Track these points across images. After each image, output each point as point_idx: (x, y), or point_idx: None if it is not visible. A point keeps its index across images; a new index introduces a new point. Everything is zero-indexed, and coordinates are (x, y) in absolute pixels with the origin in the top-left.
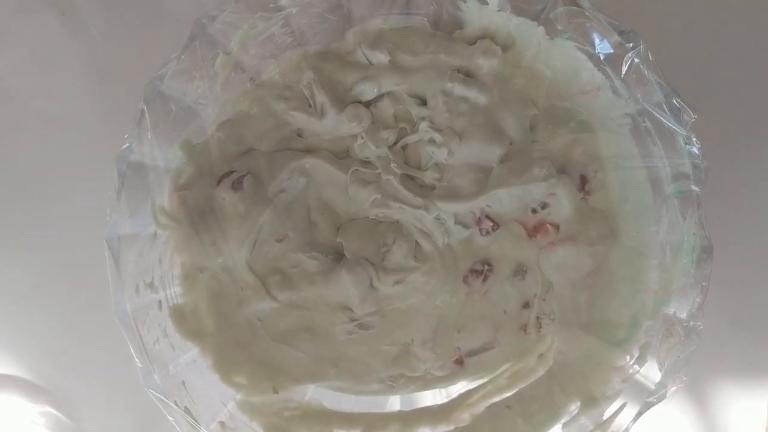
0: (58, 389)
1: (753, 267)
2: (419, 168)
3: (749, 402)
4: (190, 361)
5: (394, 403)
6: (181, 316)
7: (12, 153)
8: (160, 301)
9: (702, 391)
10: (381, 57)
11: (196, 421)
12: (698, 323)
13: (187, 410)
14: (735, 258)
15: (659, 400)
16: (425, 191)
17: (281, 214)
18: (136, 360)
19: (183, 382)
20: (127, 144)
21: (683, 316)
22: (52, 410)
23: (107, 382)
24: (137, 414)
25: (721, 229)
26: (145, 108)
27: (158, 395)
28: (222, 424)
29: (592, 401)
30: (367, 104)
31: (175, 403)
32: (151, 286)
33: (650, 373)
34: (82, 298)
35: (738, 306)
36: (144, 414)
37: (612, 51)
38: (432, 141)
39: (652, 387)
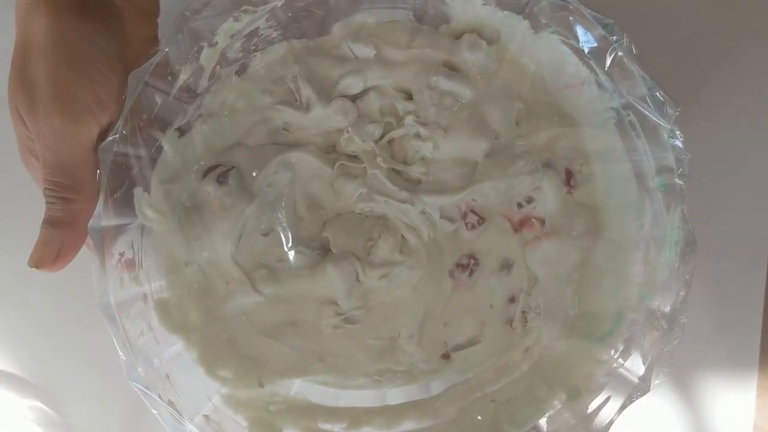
0: (46, 383)
1: (736, 260)
2: (405, 162)
3: (736, 395)
4: (175, 354)
5: (380, 397)
6: (165, 310)
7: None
8: (144, 294)
9: (688, 383)
10: (367, 51)
11: (180, 414)
12: (682, 317)
13: (171, 403)
14: (718, 251)
15: (643, 394)
16: (411, 185)
17: (266, 208)
18: (120, 353)
19: (167, 376)
20: (112, 137)
21: (667, 309)
22: (41, 404)
23: (95, 376)
24: (124, 408)
25: (704, 222)
26: (129, 101)
27: (142, 388)
28: (206, 417)
29: (576, 395)
30: (353, 98)
31: (159, 397)
32: (135, 279)
33: (634, 366)
34: (70, 292)
35: (722, 298)
36: (131, 408)
37: (596, 44)
38: (417, 135)
39: (636, 381)
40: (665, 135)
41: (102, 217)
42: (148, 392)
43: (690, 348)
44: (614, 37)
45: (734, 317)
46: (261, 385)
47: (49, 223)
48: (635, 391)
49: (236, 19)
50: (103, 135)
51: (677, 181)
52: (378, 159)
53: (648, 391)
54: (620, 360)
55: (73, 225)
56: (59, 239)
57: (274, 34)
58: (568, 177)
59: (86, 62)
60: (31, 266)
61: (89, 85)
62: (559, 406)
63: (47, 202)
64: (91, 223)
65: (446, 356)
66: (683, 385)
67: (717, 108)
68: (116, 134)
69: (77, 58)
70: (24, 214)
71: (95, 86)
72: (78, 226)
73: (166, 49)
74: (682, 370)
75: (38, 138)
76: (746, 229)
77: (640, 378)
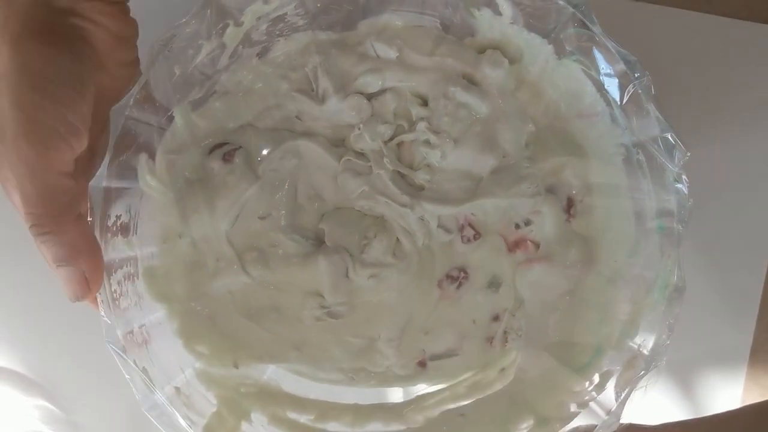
0: (52, 382)
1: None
2: (411, 167)
3: (727, 391)
4: (156, 323)
5: (351, 395)
6: (153, 277)
7: None
8: (135, 259)
9: (680, 378)
10: (389, 52)
11: (152, 382)
12: (661, 361)
13: (144, 370)
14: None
15: (611, 429)
16: (413, 190)
17: (268, 192)
18: (102, 313)
19: (145, 342)
20: (126, 100)
21: (646, 351)
22: (46, 403)
23: (101, 375)
24: (130, 406)
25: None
26: (148, 67)
27: (118, 351)
28: (177, 389)
29: (544, 421)
30: (369, 97)
31: (134, 363)
32: (128, 243)
33: (606, 401)
34: None
35: (719, 293)
36: (136, 407)
37: (616, 79)
38: (427, 142)
39: (605, 416)
40: (671, 178)
41: (104, 177)
42: (123, 356)
43: (684, 342)
44: (635, 74)
45: (730, 314)
46: (236, 366)
47: (56, 262)
48: (604, 425)
49: (266, 2)
50: (81, 160)
51: (676, 225)
52: (385, 160)
53: (616, 427)
54: (593, 393)
55: (78, 251)
56: (78, 269)
57: (301, 22)
58: (569, 205)
59: (51, 85)
60: (75, 302)
61: (55, 108)
62: (526, 430)
63: (38, 242)
64: (93, 182)
65: (422, 364)
66: (677, 377)
67: (725, 158)
68: (131, 99)
69: (41, 82)
70: None
71: (62, 109)
72: (84, 248)
73: (192, 21)
74: (674, 363)
75: (12, 169)
76: (746, 227)
77: (610, 413)
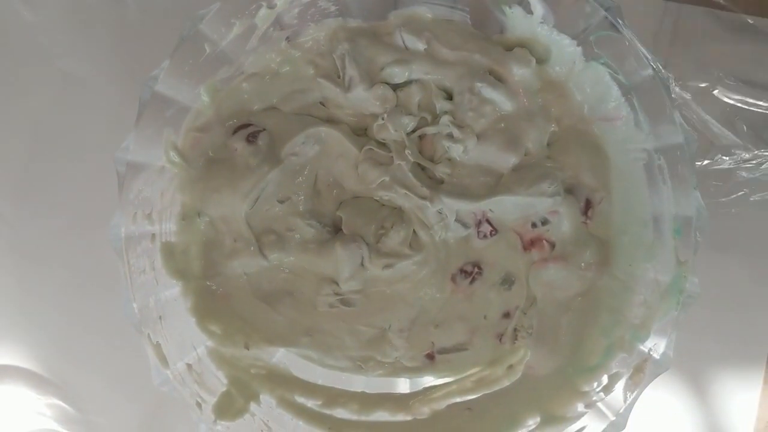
0: (65, 381)
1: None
2: (432, 160)
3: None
4: (171, 299)
5: (359, 383)
6: (170, 253)
7: (32, 112)
8: (154, 234)
9: (694, 379)
10: (418, 44)
11: (165, 357)
12: (669, 365)
13: (158, 345)
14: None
15: (618, 430)
16: (433, 183)
17: (289, 176)
18: (123, 284)
19: (160, 318)
20: (155, 73)
21: (657, 356)
22: (59, 402)
23: (114, 375)
24: (144, 406)
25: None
26: (179, 43)
27: (136, 324)
28: (189, 366)
29: (551, 420)
30: (394, 87)
31: (149, 336)
32: (149, 217)
33: (614, 402)
34: (90, 291)
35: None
36: (150, 406)
37: (643, 84)
38: (450, 136)
39: (612, 417)
40: (692, 186)
41: (129, 150)
42: (140, 329)
43: (698, 340)
44: (663, 80)
45: (744, 313)
46: (247, 347)
47: None
48: (611, 426)
49: None
50: None
51: (693, 232)
52: (406, 151)
53: (623, 428)
54: (602, 394)
55: None
56: None
57: (332, 9)
58: (587, 207)
59: None
60: None
61: None
62: (533, 427)
63: None
64: (118, 153)
65: (431, 357)
66: (690, 376)
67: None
68: (160, 73)
69: None
70: (50, 212)
71: None
72: None
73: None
74: (689, 361)
75: None
76: (759, 224)
77: (618, 415)
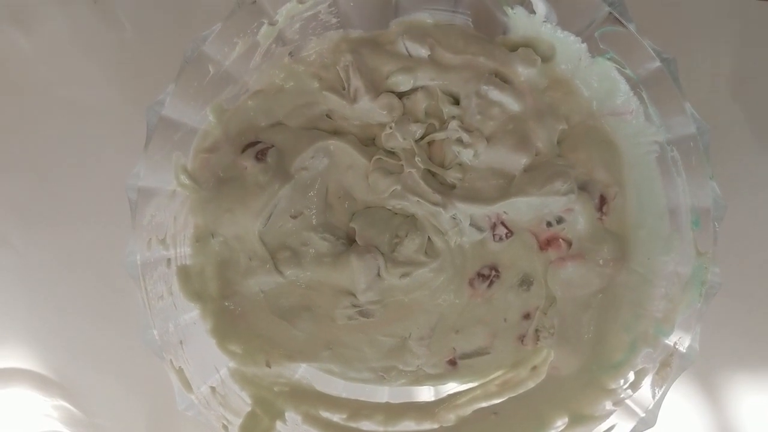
0: (72, 383)
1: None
2: (442, 166)
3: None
4: (190, 322)
5: (382, 394)
6: (187, 276)
7: (35, 142)
8: (169, 259)
9: (712, 382)
10: (421, 50)
11: (188, 382)
12: (695, 359)
13: (180, 370)
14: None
15: (648, 427)
16: (445, 189)
17: (300, 191)
18: (142, 311)
19: (180, 342)
20: (161, 97)
21: (683, 349)
22: (66, 404)
23: (120, 377)
24: (150, 409)
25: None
26: (183, 66)
27: (158, 351)
28: (213, 389)
29: (579, 419)
30: (400, 95)
31: (171, 362)
32: (163, 242)
33: (642, 399)
34: (97, 294)
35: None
36: (156, 409)
37: (651, 77)
38: (459, 141)
39: (642, 414)
40: (707, 177)
41: (140, 176)
42: (162, 355)
43: (716, 346)
44: (671, 72)
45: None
46: (268, 365)
47: None
48: (640, 423)
49: (300, 1)
50: None
51: (712, 222)
52: (416, 159)
53: (653, 424)
54: (629, 391)
55: None
56: None
57: (333, 21)
58: (602, 203)
59: None
60: None
61: None
62: (562, 427)
63: None
64: (129, 180)
65: (453, 363)
66: (708, 382)
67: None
68: (166, 97)
69: None
70: (59, 216)
71: None
72: None
73: (228, 21)
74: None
75: None
76: None
77: (647, 411)
